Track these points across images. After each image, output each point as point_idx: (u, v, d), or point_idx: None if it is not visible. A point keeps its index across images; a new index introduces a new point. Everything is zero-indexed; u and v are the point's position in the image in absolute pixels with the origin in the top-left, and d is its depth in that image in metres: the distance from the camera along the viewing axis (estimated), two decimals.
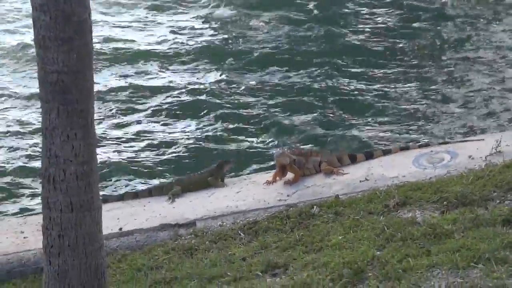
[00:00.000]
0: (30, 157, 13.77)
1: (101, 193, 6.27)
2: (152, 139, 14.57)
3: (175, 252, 7.79)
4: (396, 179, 8.53)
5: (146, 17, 21.05)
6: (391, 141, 13.74)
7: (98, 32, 18.80)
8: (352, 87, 16.45)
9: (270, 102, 15.83)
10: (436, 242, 6.86)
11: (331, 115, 15.28)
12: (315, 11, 20.58)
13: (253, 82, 16.76)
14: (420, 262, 6.55)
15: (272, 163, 9.81)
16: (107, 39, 19.20)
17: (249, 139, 14.40)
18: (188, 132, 14.81)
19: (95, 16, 18.98)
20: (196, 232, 8.16)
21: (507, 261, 6.39)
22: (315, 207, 8.07)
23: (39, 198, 10.03)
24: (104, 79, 16.94)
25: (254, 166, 13.06)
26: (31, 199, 12.55)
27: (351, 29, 19.49)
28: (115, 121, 15.32)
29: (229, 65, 17.71)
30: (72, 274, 5.92)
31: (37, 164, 13.00)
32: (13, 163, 13.72)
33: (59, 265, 5.92)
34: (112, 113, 15.52)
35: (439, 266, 6.46)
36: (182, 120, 15.25)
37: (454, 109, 15.27)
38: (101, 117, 14.98)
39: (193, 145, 14.17)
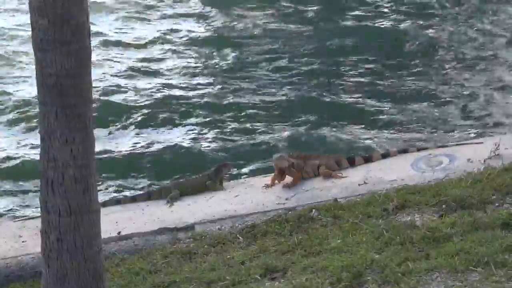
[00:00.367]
0: (29, 160, 13.76)
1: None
2: (150, 142, 14.57)
3: (174, 256, 7.77)
4: (394, 182, 8.51)
5: (136, 16, 21.10)
6: (390, 144, 13.74)
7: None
8: (351, 89, 16.45)
9: (269, 105, 15.84)
10: (435, 246, 6.85)
11: (328, 118, 15.28)
12: (313, 14, 20.61)
13: (251, 85, 16.76)
14: (419, 265, 6.54)
15: (270, 166, 9.79)
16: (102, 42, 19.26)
17: (247, 142, 14.39)
18: (185, 135, 14.80)
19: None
20: (194, 236, 8.14)
21: (506, 265, 6.38)
22: (313, 210, 8.05)
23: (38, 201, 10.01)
24: (100, 81, 16.94)
25: (253, 169, 13.05)
26: (29, 202, 12.53)
27: (350, 30, 19.50)
28: (113, 124, 15.31)
29: (226, 68, 17.71)
30: (71, 278, 5.89)
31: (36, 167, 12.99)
32: (13, 164, 13.73)
33: (57, 269, 5.90)
34: (110, 116, 15.52)
35: (438, 270, 6.45)
36: (179, 123, 15.25)
37: (453, 112, 15.27)
38: (100, 120, 14.98)
39: (190, 148, 14.17)
